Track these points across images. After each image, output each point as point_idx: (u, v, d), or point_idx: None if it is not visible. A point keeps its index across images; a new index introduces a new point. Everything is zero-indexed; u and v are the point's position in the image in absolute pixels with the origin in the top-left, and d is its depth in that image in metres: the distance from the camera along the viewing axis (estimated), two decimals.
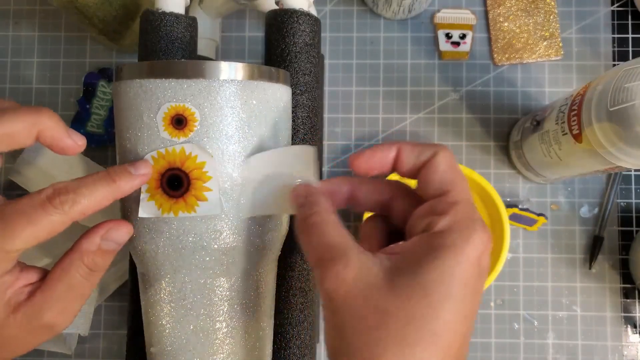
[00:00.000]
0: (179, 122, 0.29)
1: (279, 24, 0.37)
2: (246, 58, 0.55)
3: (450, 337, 0.23)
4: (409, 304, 0.23)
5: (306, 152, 0.31)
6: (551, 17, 0.54)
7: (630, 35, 0.54)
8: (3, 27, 0.56)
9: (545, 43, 0.54)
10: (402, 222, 0.28)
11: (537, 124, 0.46)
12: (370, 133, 0.54)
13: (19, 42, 0.55)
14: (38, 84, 0.55)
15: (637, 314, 0.52)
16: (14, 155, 0.53)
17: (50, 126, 0.28)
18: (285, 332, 0.36)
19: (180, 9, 0.38)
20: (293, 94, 0.36)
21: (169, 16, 0.37)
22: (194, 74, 0.29)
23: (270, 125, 0.31)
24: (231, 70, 0.30)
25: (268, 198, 0.30)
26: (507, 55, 0.54)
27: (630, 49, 0.54)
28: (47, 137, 0.29)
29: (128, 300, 0.38)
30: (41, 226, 0.26)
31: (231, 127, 0.30)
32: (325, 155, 0.54)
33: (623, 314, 0.52)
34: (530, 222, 0.52)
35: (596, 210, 0.53)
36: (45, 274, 0.28)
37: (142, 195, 0.30)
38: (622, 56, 0.54)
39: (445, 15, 0.55)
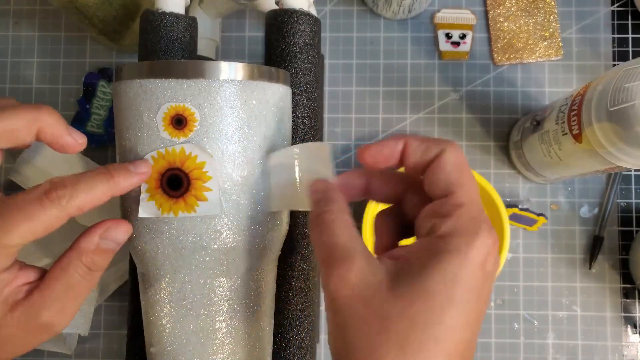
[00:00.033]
0: (179, 122, 0.29)
1: (279, 24, 0.37)
2: (246, 58, 0.55)
3: (453, 342, 0.23)
4: (411, 309, 0.23)
5: (323, 148, 0.31)
6: (551, 17, 0.54)
7: (630, 35, 0.54)
8: (3, 27, 0.56)
9: (545, 43, 0.54)
10: (414, 216, 0.28)
11: (537, 124, 0.46)
12: (370, 133, 0.54)
13: (19, 42, 0.55)
14: (38, 84, 0.55)
15: (637, 314, 0.52)
16: (14, 155, 0.53)
17: (50, 123, 0.28)
18: (285, 332, 0.36)
19: (180, 9, 0.38)
20: (293, 94, 0.36)
21: (169, 16, 0.37)
22: (194, 74, 0.29)
23: (270, 125, 0.31)
24: (231, 70, 0.30)
25: (287, 193, 0.30)
26: (507, 55, 0.54)
27: (630, 49, 0.54)
28: (47, 134, 0.29)
29: (128, 300, 0.38)
30: (38, 221, 0.26)
31: (231, 127, 0.30)
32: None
33: (623, 314, 0.52)
34: (530, 222, 0.52)
35: (596, 210, 0.53)
36: (44, 274, 0.28)
37: (142, 195, 0.30)
38: (622, 56, 0.54)
39: (445, 15, 0.55)
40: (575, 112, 0.39)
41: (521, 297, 0.52)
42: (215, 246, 0.30)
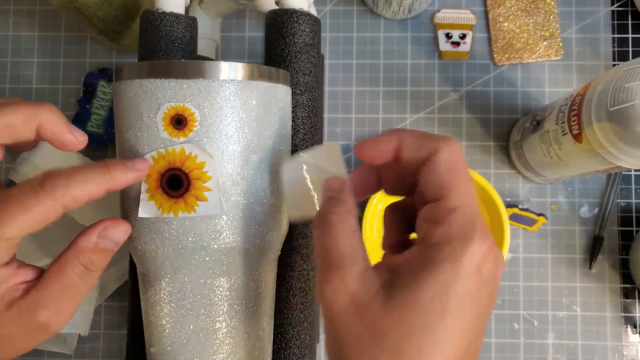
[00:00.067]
0: (179, 122, 0.29)
1: (279, 24, 0.37)
2: (246, 58, 0.55)
3: (449, 352, 0.23)
4: (405, 321, 0.23)
5: (332, 149, 0.30)
6: (551, 17, 0.54)
7: (630, 35, 0.54)
8: (3, 27, 0.56)
9: (545, 43, 0.54)
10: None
11: (537, 124, 0.46)
12: (370, 133, 0.54)
13: (19, 42, 0.55)
14: (38, 84, 0.55)
15: (637, 314, 0.52)
16: (14, 155, 0.53)
17: (50, 119, 0.28)
18: (285, 332, 0.36)
19: (180, 9, 0.38)
20: (293, 94, 0.36)
21: (169, 16, 0.37)
22: (193, 74, 0.29)
23: (270, 125, 0.31)
24: (231, 70, 0.30)
25: (303, 203, 0.30)
26: (507, 55, 0.54)
27: (630, 49, 0.54)
28: (47, 131, 0.28)
29: (128, 300, 0.38)
30: (33, 212, 0.26)
31: (231, 127, 0.30)
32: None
33: (623, 314, 0.52)
34: (530, 222, 0.52)
35: (596, 210, 0.53)
36: (42, 273, 0.28)
37: (142, 195, 0.30)
38: (622, 56, 0.54)
39: (445, 15, 0.55)
40: (575, 112, 0.39)
41: (521, 297, 0.52)
42: (215, 246, 0.30)
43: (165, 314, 0.31)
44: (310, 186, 0.30)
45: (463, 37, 0.54)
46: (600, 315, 0.52)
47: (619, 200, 0.53)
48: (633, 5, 0.54)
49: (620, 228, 0.53)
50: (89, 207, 0.48)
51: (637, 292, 0.52)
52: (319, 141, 0.40)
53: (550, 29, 0.54)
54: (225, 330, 0.31)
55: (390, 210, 0.30)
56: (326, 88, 0.54)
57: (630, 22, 0.54)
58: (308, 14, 0.37)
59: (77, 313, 0.47)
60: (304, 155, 0.30)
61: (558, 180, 0.51)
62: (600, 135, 0.37)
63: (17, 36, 0.55)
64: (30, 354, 0.50)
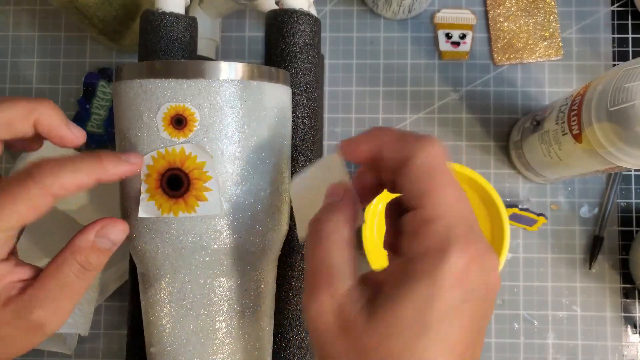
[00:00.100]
0: (179, 122, 0.29)
1: (279, 24, 0.37)
2: (246, 58, 0.55)
3: None
4: (387, 340, 0.22)
5: (332, 160, 0.30)
6: (551, 17, 0.54)
7: (630, 35, 0.54)
8: (3, 27, 0.56)
9: (545, 43, 0.54)
10: None
11: (537, 124, 0.46)
12: None
13: (19, 42, 0.55)
14: (38, 84, 0.55)
15: (637, 314, 0.52)
16: (14, 155, 0.53)
17: (47, 114, 0.28)
18: (285, 332, 0.36)
19: (180, 9, 0.38)
20: (293, 94, 0.36)
21: (169, 16, 0.37)
22: (193, 74, 0.29)
23: (270, 125, 0.31)
24: (231, 70, 0.30)
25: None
26: (507, 55, 0.54)
27: (630, 49, 0.54)
28: (44, 126, 0.28)
29: (128, 300, 0.38)
30: (22, 203, 0.25)
31: (231, 127, 0.30)
32: (325, 155, 0.54)
33: (623, 314, 0.52)
34: (530, 222, 0.52)
35: (596, 210, 0.53)
36: (40, 272, 0.28)
37: (142, 196, 0.30)
38: (622, 56, 0.54)
39: (445, 15, 0.55)
40: (575, 112, 0.39)
41: (521, 297, 0.52)
42: (215, 246, 0.30)
43: (165, 314, 0.31)
44: (316, 200, 0.29)
45: (463, 37, 0.54)
46: (600, 315, 0.52)
47: (619, 200, 0.53)
48: (633, 5, 0.54)
49: (620, 228, 0.53)
50: (89, 207, 0.48)
51: (637, 292, 0.52)
52: (319, 141, 0.40)
53: (550, 29, 0.54)
54: (225, 330, 0.31)
55: (391, 207, 0.29)
56: (326, 88, 0.54)
57: (630, 22, 0.54)
58: (308, 14, 0.37)
59: (77, 313, 0.47)
60: (308, 170, 0.30)
61: (558, 180, 0.51)
62: (600, 135, 0.37)
63: (17, 36, 0.55)
64: (30, 353, 0.50)
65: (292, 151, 0.35)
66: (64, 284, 0.27)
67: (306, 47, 0.37)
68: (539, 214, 0.52)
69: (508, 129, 0.54)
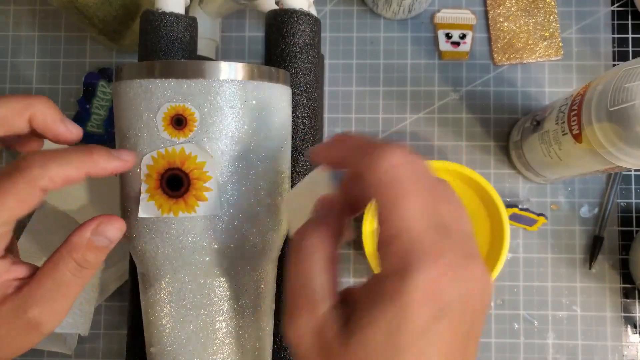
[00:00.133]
0: (179, 122, 0.29)
1: (279, 24, 0.37)
2: (246, 58, 0.55)
3: None
4: None
5: (318, 176, 0.29)
6: (551, 17, 0.54)
7: (630, 35, 0.54)
8: (3, 27, 0.56)
9: (545, 43, 0.54)
10: None
11: (537, 124, 0.46)
12: (370, 133, 0.54)
13: (19, 42, 0.55)
14: (38, 84, 0.55)
15: (637, 314, 0.52)
16: (14, 155, 0.53)
17: (42, 111, 0.28)
18: None
19: (180, 9, 0.38)
20: (293, 94, 0.36)
21: (169, 16, 0.37)
22: (193, 74, 0.29)
23: (270, 125, 0.31)
24: (231, 70, 0.30)
25: None
26: (507, 55, 0.54)
27: (630, 49, 0.54)
28: (39, 122, 0.28)
29: (128, 300, 0.38)
30: (9, 195, 0.25)
31: (231, 127, 0.30)
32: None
33: (623, 314, 0.52)
34: (530, 222, 0.52)
35: (596, 210, 0.53)
36: (36, 271, 0.28)
37: (142, 196, 0.30)
38: (622, 56, 0.54)
39: (445, 15, 0.55)
40: (575, 112, 0.39)
41: (521, 297, 0.52)
42: (215, 246, 0.30)
43: (165, 314, 0.31)
44: (307, 216, 0.29)
45: (463, 37, 0.54)
46: (600, 315, 0.52)
47: (619, 200, 0.53)
48: (633, 5, 0.54)
49: (620, 228, 0.53)
50: (89, 207, 0.48)
51: (637, 292, 0.52)
52: (319, 141, 0.40)
53: (550, 29, 0.54)
54: (225, 330, 0.31)
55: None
56: (326, 88, 0.54)
57: (630, 22, 0.54)
58: (308, 14, 0.37)
59: (77, 313, 0.47)
60: (298, 186, 0.30)
61: (558, 180, 0.51)
62: (600, 135, 0.37)
63: (17, 36, 0.55)
64: (30, 353, 0.50)
65: (292, 151, 0.35)
66: (61, 282, 0.27)
67: (306, 47, 0.37)
68: (539, 214, 0.52)
69: (508, 129, 0.54)
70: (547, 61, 0.54)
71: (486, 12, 0.55)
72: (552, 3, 0.54)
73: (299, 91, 0.37)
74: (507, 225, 0.48)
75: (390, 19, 0.55)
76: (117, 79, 0.31)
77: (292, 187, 0.35)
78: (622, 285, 0.52)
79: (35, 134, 0.29)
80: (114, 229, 0.28)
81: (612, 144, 0.36)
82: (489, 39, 0.55)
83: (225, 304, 0.31)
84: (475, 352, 0.23)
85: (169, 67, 0.29)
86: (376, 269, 0.48)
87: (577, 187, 0.53)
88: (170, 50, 0.37)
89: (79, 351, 0.52)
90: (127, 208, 0.31)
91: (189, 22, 0.38)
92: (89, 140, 0.53)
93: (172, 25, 0.37)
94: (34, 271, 0.28)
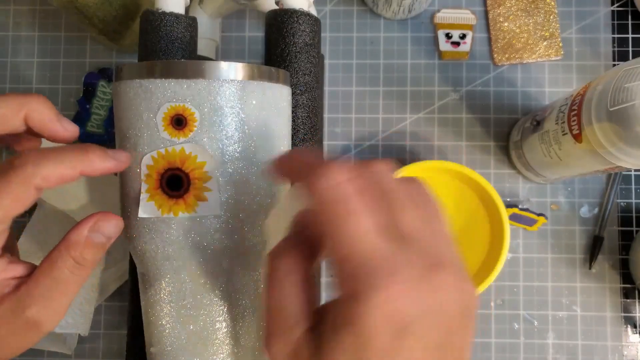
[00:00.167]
0: (179, 122, 0.29)
1: (279, 24, 0.37)
2: (246, 58, 0.55)
3: None
4: None
5: (293, 192, 0.29)
6: (551, 17, 0.54)
7: (630, 35, 0.54)
8: (3, 27, 0.56)
9: (545, 43, 0.54)
10: None
11: (537, 124, 0.46)
12: (370, 133, 0.54)
13: (19, 42, 0.55)
14: (38, 84, 0.55)
15: (637, 314, 0.52)
16: (14, 154, 0.53)
17: (38, 109, 0.28)
18: None
19: (180, 9, 0.38)
20: (293, 94, 0.36)
21: (169, 16, 0.37)
22: (193, 74, 0.29)
23: (270, 125, 0.31)
24: (231, 71, 0.30)
25: None
26: (507, 55, 0.54)
27: (630, 49, 0.54)
28: (35, 120, 0.28)
29: (128, 300, 0.38)
30: (4, 196, 0.25)
31: (231, 127, 0.30)
32: (325, 155, 0.54)
33: (623, 314, 0.52)
34: (530, 222, 0.52)
35: (596, 210, 0.53)
36: (34, 269, 0.27)
37: (142, 196, 0.29)
38: (622, 56, 0.54)
39: (445, 15, 0.55)
40: (575, 112, 0.39)
41: (521, 297, 0.52)
42: (215, 246, 0.30)
43: (165, 314, 0.31)
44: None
45: (463, 37, 0.54)
46: (600, 315, 0.52)
47: (619, 200, 0.53)
48: (633, 5, 0.54)
49: (620, 228, 0.53)
50: (89, 207, 0.48)
51: (637, 292, 0.52)
52: (319, 141, 0.40)
53: (550, 29, 0.54)
54: (225, 330, 0.31)
55: None
56: (326, 88, 0.54)
57: (630, 22, 0.54)
58: (308, 14, 0.37)
59: (77, 313, 0.47)
60: (280, 202, 0.30)
61: (558, 180, 0.51)
62: (600, 135, 0.37)
63: (17, 36, 0.55)
64: (30, 353, 0.50)
65: None
66: (59, 280, 0.27)
67: (306, 47, 0.37)
68: (539, 214, 0.52)
69: (508, 129, 0.54)
70: (547, 61, 0.54)
71: (486, 12, 0.55)
72: (552, 3, 0.55)
73: (299, 91, 0.37)
74: (507, 225, 0.48)
75: (390, 19, 0.55)
76: (117, 79, 0.31)
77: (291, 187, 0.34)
78: (622, 285, 0.52)
79: (31, 133, 0.29)
80: (112, 226, 0.28)
81: (612, 144, 0.36)
82: (489, 39, 0.55)
83: (225, 304, 0.31)
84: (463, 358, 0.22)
85: (169, 67, 0.29)
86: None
87: (577, 187, 0.53)
88: (170, 50, 0.37)
89: (79, 351, 0.52)
90: (127, 208, 0.31)
91: (189, 22, 0.38)
92: (89, 140, 0.53)
93: (172, 25, 0.37)
94: (33, 270, 0.27)
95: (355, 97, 0.54)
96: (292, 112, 0.36)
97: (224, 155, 0.30)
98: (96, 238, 0.28)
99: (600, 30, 0.54)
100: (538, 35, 0.54)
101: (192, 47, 0.39)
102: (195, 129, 0.29)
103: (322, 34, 0.54)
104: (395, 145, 0.54)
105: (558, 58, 0.54)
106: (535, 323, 0.52)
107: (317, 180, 0.22)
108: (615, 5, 0.54)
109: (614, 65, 0.54)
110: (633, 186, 0.53)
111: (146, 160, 0.29)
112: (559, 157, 0.44)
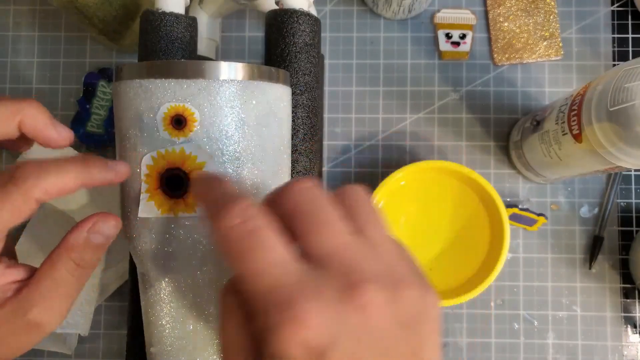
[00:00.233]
0: (179, 122, 0.29)
1: (279, 24, 0.37)
2: (246, 58, 0.55)
3: None
4: None
5: None
6: (551, 17, 0.54)
7: (630, 35, 0.54)
8: (3, 27, 0.56)
9: (545, 43, 0.54)
10: None
11: (537, 124, 0.46)
12: (370, 133, 0.54)
13: (19, 42, 0.55)
14: (38, 84, 0.55)
15: (637, 314, 0.52)
16: (14, 155, 0.53)
17: (32, 115, 0.28)
18: None
19: (180, 9, 0.38)
20: (293, 94, 0.36)
21: (169, 16, 0.37)
22: (193, 74, 0.29)
23: (270, 125, 0.31)
24: (231, 70, 0.30)
25: None
26: (507, 55, 0.54)
27: (630, 49, 0.54)
28: (29, 127, 0.28)
29: (128, 300, 0.38)
30: (3, 208, 0.25)
31: (231, 127, 0.30)
32: (325, 155, 0.54)
33: (623, 314, 0.52)
34: (530, 222, 0.52)
35: (596, 210, 0.53)
36: (34, 272, 0.28)
37: (142, 196, 0.30)
38: (622, 56, 0.54)
39: (445, 15, 0.55)
40: (575, 112, 0.39)
41: (521, 297, 0.52)
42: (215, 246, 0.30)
43: (165, 314, 0.31)
44: None
45: (463, 37, 0.54)
46: (600, 315, 0.52)
47: (619, 200, 0.53)
48: (633, 5, 0.54)
49: (620, 228, 0.53)
50: (89, 207, 0.48)
51: (637, 292, 0.52)
52: (319, 141, 0.40)
53: (550, 29, 0.54)
54: None
55: None
56: (326, 88, 0.54)
57: (630, 22, 0.54)
58: (308, 14, 0.37)
59: (77, 313, 0.47)
60: None
61: (558, 180, 0.51)
62: (600, 135, 0.37)
63: (17, 36, 0.55)
64: (30, 353, 0.50)
65: (292, 151, 0.35)
66: (59, 282, 0.27)
67: (306, 47, 0.37)
68: (539, 214, 0.52)
69: (508, 129, 0.54)
70: (547, 61, 0.54)
71: (486, 12, 0.55)
72: (552, 3, 0.55)
73: (299, 91, 0.37)
74: (507, 225, 0.48)
75: (390, 19, 0.55)
76: (117, 79, 0.31)
77: None
78: (622, 285, 0.52)
79: (25, 137, 0.29)
80: (110, 226, 0.28)
81: (612, 144, 0.36)
82: (489, 39, 0.55)
83: None
84: None
85: (169, 67, 0.29)
86: None
87: (577, 187, 0.53)
88: (170, 50, 0.37)
89: (79, 351, 0.52)
90: (127, 208, 0.31)
91: (189, 22, 0.38)
92: (89, 140, 0.53)
93: (172, 25, 0.37)
94: (32, 272, 0.28)
95: (355, 97, 0.54)
96: (292, 112, 0.36)
97: (224, 155, 0.30)
98: (95, 239, 0.28)
99: (600, 30, 0.54)
100: (538, 35, 0.54)
101: (192, 47, 0.39)
102: (195, 129, 0.29)
103: (322, 34, 0.54)
104: (395, 145, 0.54)
105: (558, 58, 0.54)
106: (535, 323, 0.52)
107: (217, 222, 0.22)
108: (615, 5, 0.54)
109: (614, 65, 0.54)
110: (633, 186, 0.53)
111: (146, 160, 0.29)
112: (559, 157, 0.44)
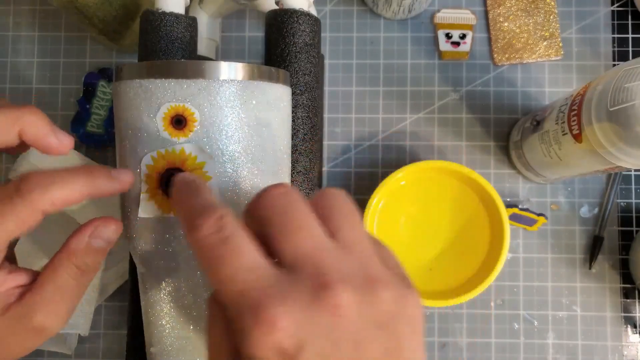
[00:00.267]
0: (179, 122, 0.29)
1: (279, 24, 0.37)
2: (246, 58, 0.55)
3: None
4: None
5: None
6: (551, 17, 0.54)
7: (630, 35, 0.54)
8: (3, 27, 0.56)
9: (545, 43, 0.54)
10: None
11: (537, 124, 0.46)
12: (370, 133, 0.54)
13: (19, 42, 0.55)
14: (38, 84, 0.55)
15: (637, 314, 0.52)
16: (14, 155, 0.53)
17: (32, 123, 0.28)
18: None
19: (180, 9, 0.38)
20: (293, 94, 0.36)
21: (169, 16, 0.37)
22: (193, 74, 0.29)
23: (270, 125, 0.31)
24: (231, 70, 0.30)
25: None
26: (507, 55, 0.54)
27: (630, 49, 0.54)
28: (29, 135, 0.28)
29: (128, 300, 0.38)
30: (9, 220, 0.25)
31: (231, 127, 0.30)
32: (325, 155, 0.54)
33: (623, 314, 0.52)
34: (530, 222, 0.52)
35: (596, 210, 0.53)
36: (36, 276, 0.28)
37: (142, 195, 0.30)
38: (622, 56, 0.54)
39: (445, 15, 0.55)
40: (575, 112, 0.39)
41: (521, 297, 0.52)
42: None
43: (165, 314, 0.31)
44: None
45: (463, 37, 0.54)
46: (600, 315, 0.52)
47: (619, 200, 0.53)
48: (633, 5, 0.54)
49: (620, 228, 0.53)
50: (89, 207, 0.48)
51: (637, 292, 0.52)
52: (319, 141, 0.40)
53: (550, 29, 0.54)
54: None
55: None
56: (326, 88, 0.54)
57: (630, 22, 0.54)
58: (308, 14, 0.37)
59: (77, 313, 0.47)
60: None
61: (558, 180, 0.51)
62: (600, 135, 0.37)
63: (17, 36, 0.55)
64: (30, 353, 0.50)
65: (292, 151, 0.35)
66: (62, 287, 0.27)
67: (306, 47, 0.37)
68: (539, 214, 0.52)
69: (508, 129, 0.54)
70: (547, 61, 0.54)
71: (486, 12, 0.55)
72: (552, 3, 0.55)
73: (299, 91, 0.37)
74: (507, 225, 0.48)
75: (390, 19, 0.55)
76: (117, 79, 0.31)
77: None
78: (622, 285, 0.52)
79: (25, 144, 0.29)
80: (111, 231, 0.28)
81: (612, 144, 0.36)
82: (489, 39, 0.55)
83: None
84: None
85: (169, 67, 0.29)
86: None
87: (577, 187, 0.53)
88: (170, 50, 0.37)
89: (79, 351, 0.52)
90: (127, 208, 0.31)
91: (189, 22, 0.38)
92: (89, 140, 0.53)
93: (172, 25, 0.37)
94: (34, 276, 0.28)
95: (355, 97, 0.54)
96: (292, 112, 0.36)
97: (224, 155, 0.30)
98: (97, 244, 0.28)
99: (600, 30, 0.54)
100: (538, 35, 0.54)
101: (192, 47, 0.39)
102: (195, 129, 0.29)
103: (322, 34, 0.54)
104: (395, 145, 0.54)
105: (558, 58, 0.54)
106: (535, 323, 0.52)
107: (190, 233, 0.22)
108: (615, 5, 0.54)
109: (614, 65, 0.54)
110: (633, 186, 0.53)
111: (146, 160, 0.29)
112: (559, 157, 0.44)
